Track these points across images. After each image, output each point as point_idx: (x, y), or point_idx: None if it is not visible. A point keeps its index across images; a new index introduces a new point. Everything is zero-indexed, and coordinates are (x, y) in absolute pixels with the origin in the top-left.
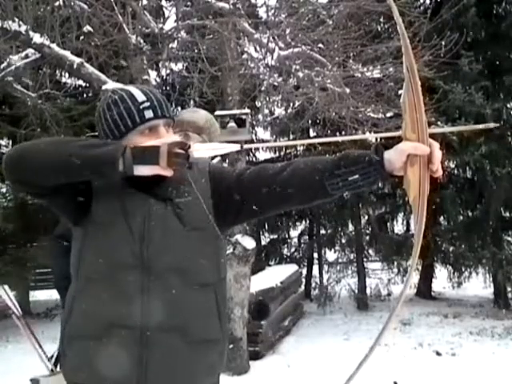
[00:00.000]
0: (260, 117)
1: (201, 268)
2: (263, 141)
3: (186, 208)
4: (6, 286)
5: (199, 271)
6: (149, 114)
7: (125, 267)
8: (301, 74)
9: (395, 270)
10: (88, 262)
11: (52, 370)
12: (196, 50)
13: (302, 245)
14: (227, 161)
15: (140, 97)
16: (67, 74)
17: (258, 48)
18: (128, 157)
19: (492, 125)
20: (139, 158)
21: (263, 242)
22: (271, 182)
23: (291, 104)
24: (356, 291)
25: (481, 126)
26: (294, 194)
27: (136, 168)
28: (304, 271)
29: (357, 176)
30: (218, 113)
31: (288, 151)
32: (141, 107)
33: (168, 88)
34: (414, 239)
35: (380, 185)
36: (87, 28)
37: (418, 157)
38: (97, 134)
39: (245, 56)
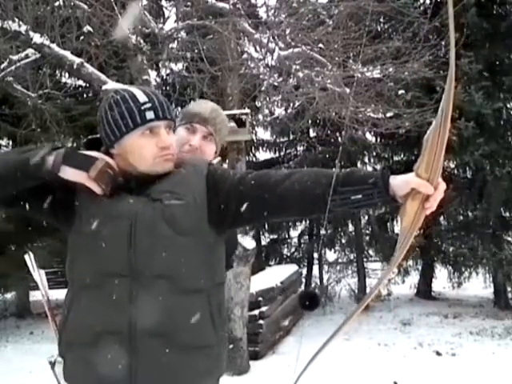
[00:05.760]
0: (260, 117)
1: (191, 274)
2: (263, 141)
3: (176, 212)
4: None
5: (189, 277)
6: (150, 115)
7: (113, 274)
8: (301, 74)
9: (395, 270)
10: (78, 270)
11: None
12: (196, 50)
13: (302, 245)
14: (227, 161)
15: (142, 97)
16: (67, 74)
17: (257, 48)
18: (59, 156)
19: None
20: (72, 160)
21: (263, 242)
22: (272, 190)
23: (291, 104)
24: (356, 291)
25: None
26: (293, 204)
27: (63, 168)
28: (304, 271)
29: (360, 196)
30: None
31: (288, 151)
32: (142, 108)
33: (168, 88)
34: (392, 261)
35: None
36: (87, 28)
37: (421, 194)
38: (98, 135)
39: (245, 56)
